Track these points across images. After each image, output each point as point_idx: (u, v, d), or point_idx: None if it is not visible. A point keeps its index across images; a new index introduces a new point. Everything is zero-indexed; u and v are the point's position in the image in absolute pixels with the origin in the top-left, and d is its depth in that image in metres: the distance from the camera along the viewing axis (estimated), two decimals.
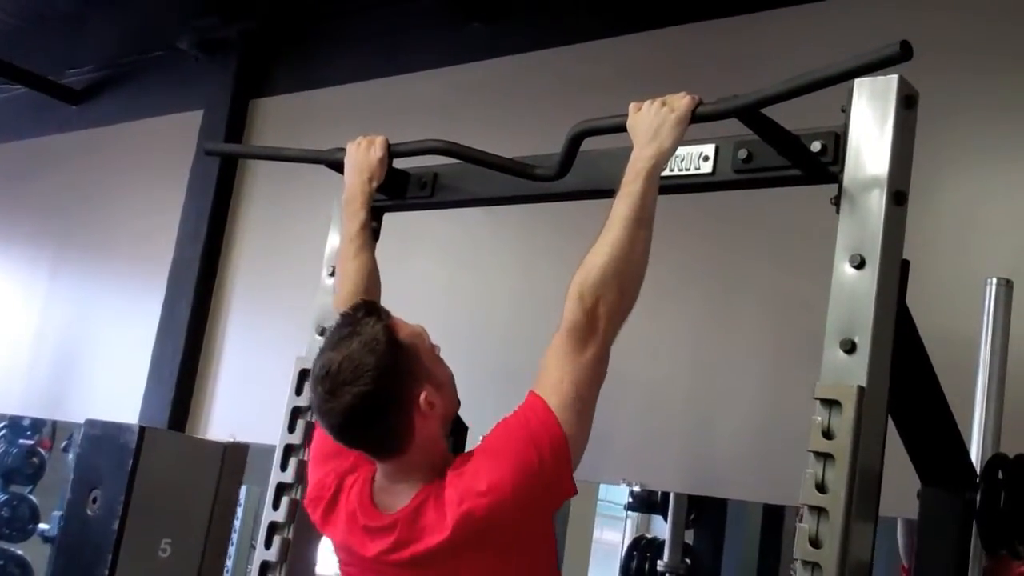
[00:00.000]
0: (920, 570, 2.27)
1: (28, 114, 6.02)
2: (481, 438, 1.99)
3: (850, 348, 1.81)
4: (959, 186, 2.98)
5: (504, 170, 2.44)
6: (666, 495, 5.10)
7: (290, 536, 2.58)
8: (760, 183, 2.17)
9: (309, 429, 2.60)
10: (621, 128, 2.07)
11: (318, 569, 2.71)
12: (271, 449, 2.69)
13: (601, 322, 1.92)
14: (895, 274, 1.87)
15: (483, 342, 3.59)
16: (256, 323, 4.62)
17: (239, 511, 5.16)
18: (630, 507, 5.83)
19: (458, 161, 2.52)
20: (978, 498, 2.17)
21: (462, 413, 2.15)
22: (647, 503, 5.60)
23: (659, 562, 5.06)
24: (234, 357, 4.68)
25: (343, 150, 2.62)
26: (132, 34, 5.42)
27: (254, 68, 4.98)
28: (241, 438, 4.12)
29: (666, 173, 2.09)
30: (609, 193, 2.03)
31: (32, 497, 7.69)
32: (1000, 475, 2.19)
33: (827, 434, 1.77)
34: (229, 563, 5.33)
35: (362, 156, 2.54)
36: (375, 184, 2.53)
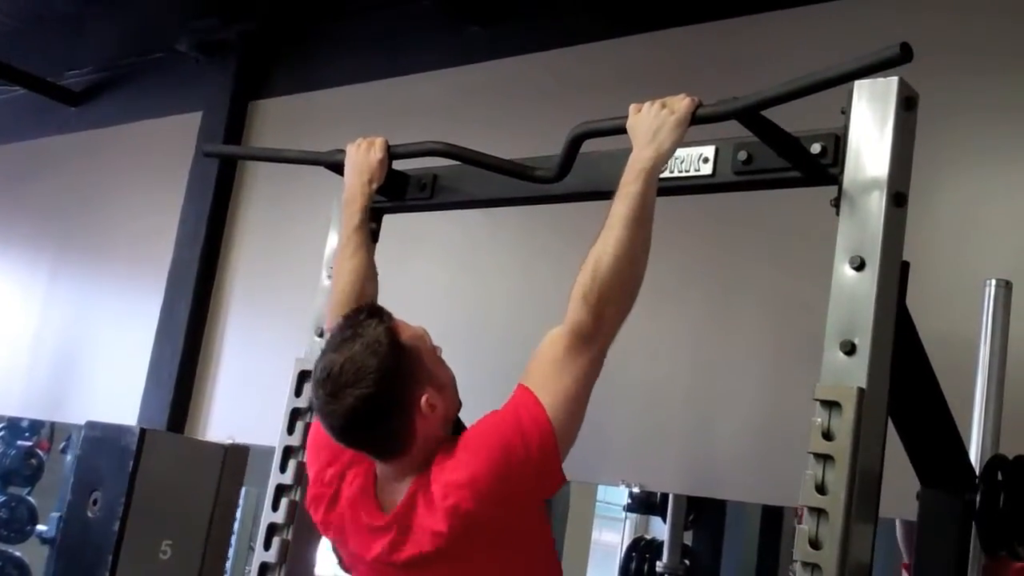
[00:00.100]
0: (920, 571, 2.27)
1: (27, 116, 6.01)
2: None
3: (850, 349, 1.81)
4: (958, 187, 2.98)
5: (504, 172, 2.44)
6: (665, 496, 5.10)
7: (289, 537, 2.58)
8: (760, 185, 2.17)
9: (308, 431, 2.60)
10: (621, 130, 2.08)
11: (317, 570, 2.71)
12: (270, 451, 2.69)
13: (605, 324, 1.93)
14: (895, 275, 1.87)
15: (482, 343, 3.59)
16: (255, 325, 4.62)
17: (238, 512, 5.16)
18: (629, 508, 5.83)
19: (457, 163, 2.52)
20: (977, 499, 2.17)
21: (462, 414, 2.15)
22: (646, 504, 5.60)
23: (658, 563, 5.06)
24: (233, 359, 4.67)
25: (343, 152, 2.62)
26: (131, 35, 5.42)
27: (253, 70, 4.98)
28: (240, 439, 4.12)
29: (666, 174, 2.10)
30: (609, 195, 2.03)
31: (30, 498, 7.69)
32: (999, 476, 2.19)
33: (827, 435, 1.77)
34: (227, 565, 5.32)
35: (362, 158, 2.54)
36: (375, 185, 2.53)
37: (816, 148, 2.00)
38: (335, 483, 2.11)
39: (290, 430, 2.63)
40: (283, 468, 2.62)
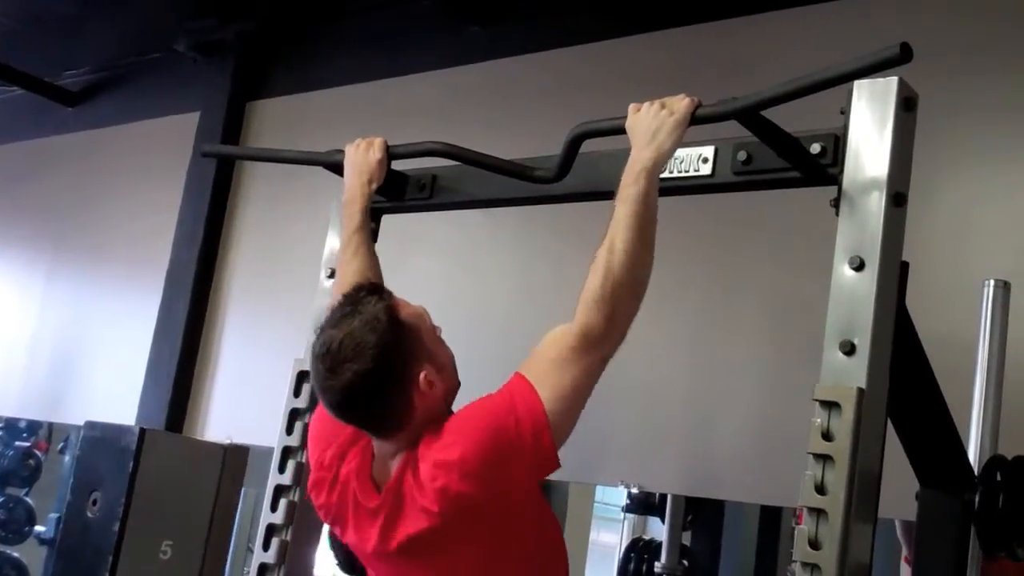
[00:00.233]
0: (919, 571, 2.28)
1: (24, 116, 6.01)
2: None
3: (849, 350, 1.81)
4: (957, 188, 2.98)
5: (503, 172, 2.44)
6: (664, 497, 5.10)
7: (288, 538, 2.58)
8: (759, 185, 2.17)
9: (307, 432, 2.60)
10: (620, 130, 2.08)
11: (316, 571, 2.71)
12: (269, 451, 2.68)
13: (616, 329, 1.93)
14: (894, 276, 1.87)
15: (482, 343, 3.58)
16: (253, 325, 4.61)
17: (236, 513, 5.15)
18: (627, 509, 5.83)
19: (457, 163, 2.52)
20: (976, 500, 2.17)
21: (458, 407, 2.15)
22: (644, 505, 5.60)
23: (656, 564, 5.06)
24: (231, 359, 4.67)
25: (341, 152, 2.62)
26: (129, 36, 5.41)
27: (251, 70, 4.97)
28: (238, 440, 4.12)
29: (665, 175, 2.10)
30: (609, 195, 2.03)
31: (28, 499, 7.68)
32: (998, 477, 2.19)
33: (826, 436, 1.77)
34: (226, 565, 5.32)
35: (361, 158, 2.54)
36: (374, 186, 2.53)
37: (816, 148, 2.00)
38: (334, 465, 2.11)
39: (289, 431, 2.63)
40: (282, 469, 2.62)
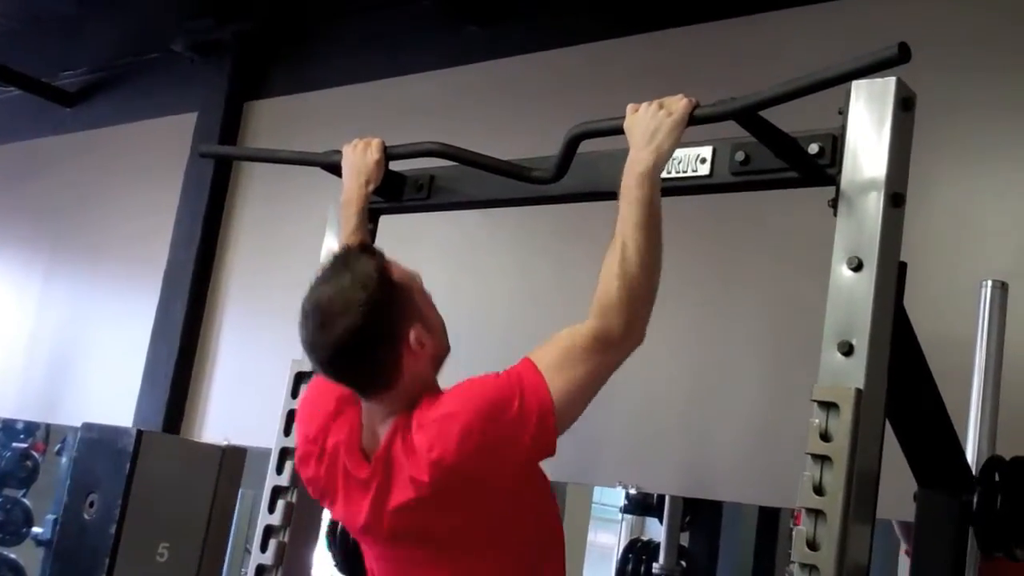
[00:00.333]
0: (917, 572, 2.28)
1: (22, 116, 6.00)
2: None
3: (848, 350, 1.81)
4: (954, 187, 2.98)
5: (501, 172, 2.44)
6: (662, 497, 5.09)
7: (286, 540, 2.58)
8: (757, 185, 2.17)
9: None
10: (618, 130, 2.07)
11: (314, 572, 2.70)
12: (266, 452, 2.68)
13: (634, 333, 1.93)
14: (893, 276, 1.87)
15: (481, 343, 3.57)
16: (251, 326, 4.61)
17: (234, 514, 5.15)
18: (625, 510, 5.83)
19: (455, 163, 2.52)
20: (975, 500, 2.17)
21: None
22: (642, 505, 5.60)
23: (654, 564, 5.06)
24: (229, 360, 4.67)
25: (339, 152, 2.61)
26: (126, 36, 5.41)
27: (249, 70, 4.97)
28: (236, 441, 4.11)
29: (663, 175, 2.09)
30: (607, 195, 2.03)
31: (26, 500, 7.67)
32: (996, 477, 2.19)
33: (825, 436, 1.77)
34: (224, 567, 5.31)
35: (358, 158, 2.54)
36: (371, 187, 2.53)
37: (814, 148, 2.00)
38: (320, 438, 2.10)
39: (286, 432, 2.62)
40: (279, 470, 2.62)
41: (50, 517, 7.05)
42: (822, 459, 1.76)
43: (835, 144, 1.97)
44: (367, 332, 1.91)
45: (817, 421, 1.78)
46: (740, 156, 2.13)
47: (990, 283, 2.38)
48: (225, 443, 3.98)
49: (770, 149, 2.05)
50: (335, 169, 2.62)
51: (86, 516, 3.39)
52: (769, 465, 3.01)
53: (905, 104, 1.92)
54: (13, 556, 7.39)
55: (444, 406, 1.92)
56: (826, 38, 3.19)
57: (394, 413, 1.97)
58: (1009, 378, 2.35)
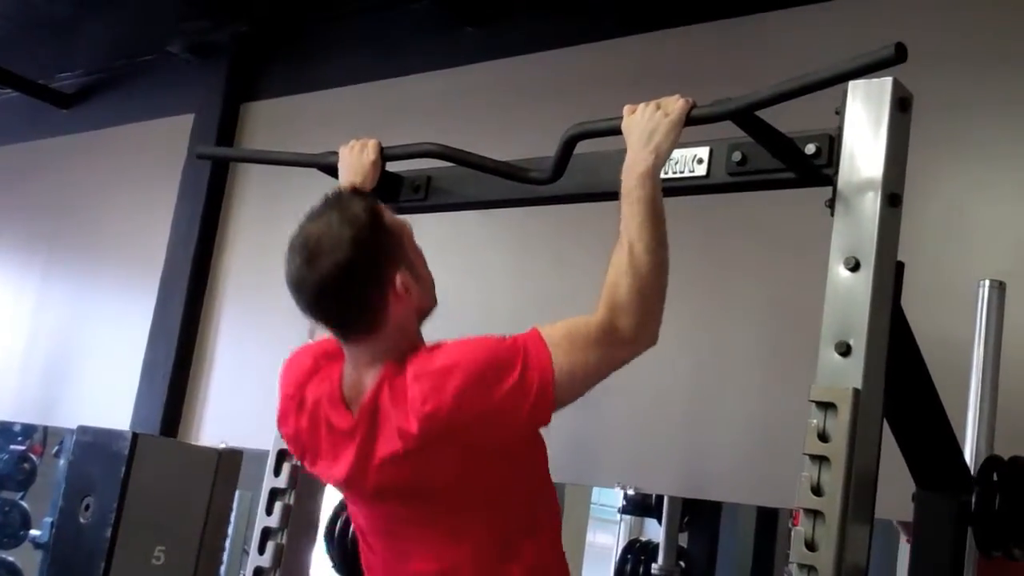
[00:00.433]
0: (916, 572, 2.27)
1: (19, 118, 6.00)
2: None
3: (845, 350, 1.80)
4: (952, 187, 2.98)
5: (498, 173, 2.43)
6: (660, 498, 5.09)
7: (284, 541, 2.57)
8: (754, 186, 2.17)
9: None
10: (616, 131, 2.07)
11: (312, 573, 2.70)
12: (264, 454, 2.67)
13: (646, 334, 1.91)
14: (890, 276, 1.87)
15: None
16: (248, 327, 4.61)
17: (231, 516, 5.14)
18: (624, 510, 5.82)
19: (452, 164, 2.52)
20: (973, 500, 2.17)
21: None
22: (641, 506, 5.59)
23: (653, 565, 5.05)
24: (226, 361, 4.66)
25: (335, 154, 2.61)
26: (123, 38, 5.40)
27: (245, 71, 4.97)
28: (233, 443, 4.10)
29: (659, 178, 2.09)
30: (604, 196, 2.03)
31: (23, 503, 7.65)
32: (995, 477, 2.19)
33: (822, 437, 1.76)
34: (222, 568, 5.31)
35: (355, 159, 2.53)
36: (368, 188, 2.52)
37: (811, 149, 2.00)
38: (298, 393, 2.08)
39: None
40: (277, 472, 2.61)
41: (48, 520, 7.03)
42: (820, 459, 1.75)
43: (832, 144, 1.97)
44: (353, 270, 1.89)
45: (815, 421, 1.77)
46: (737, 156, 2.13)
47: (988, 283, 2.38)
48: (222, 445, 3.97)
49: (767, 149, 2.05)
50: (332, 170, 2.62)
51: (82, 519, 3.38)
52: (767, 466, 3.00)
53: (902, 104, 1.91)
54: (11, 559, 7.38)
55: (443, 358, 1.88)
56: (825, 38, 3.19)
57: (379, 362, 1.94)
58: (1007, 378, 2.35)
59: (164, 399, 4.65)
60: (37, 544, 7.29)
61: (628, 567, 5.35)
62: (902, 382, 1.94)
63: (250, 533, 2.69)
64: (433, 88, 4.22)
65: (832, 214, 1.91)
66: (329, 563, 3.47)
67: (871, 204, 1.87)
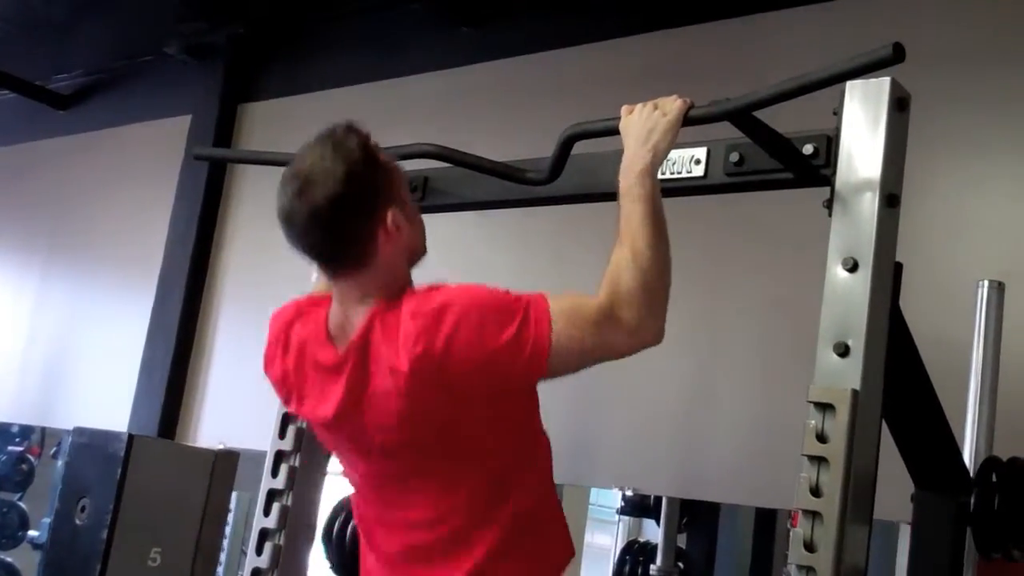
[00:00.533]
0: (915, 574, 2.27)
1: (16, 120, 5.99)
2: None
3: (843, 351, 1.80)
4: (950, 187, 2.98)
5: (495, 174, 2.43)
6: (658, 499, 5.09)
7: (281, 543, 2.57)
8: (752, 186, 2.16)
9: (300, 436, 2.59)
10: (613, 131, 2.06)
11: (310, 575, 2.69)
12: (262, 455, 2.67)
13: (648, 329, 1.87)
14: (888, 277, 1.87)
15: None
16: (246, 327, 4.60)
17: (230, 517, 5.13)
18: (622, 511, 5.81)
19: (449, 165, 2.51)
20: (972, 501, 2.17)
21: None
22: (639, 507, 5.58)
23: (652, 566, 5.05)
24: (224, 361, 4.66)
25: None
26: (120, 39, 5.40)
27: (242, 72, 4.97)
28: (232, 443, 4.10)
29: (657, 176, 2.09)
30: (601, 196, 2.02)
31: (22, 504, 7.66)
32: (994, 478, 2.19)
33: (821, 438, 1.76)
34: (220, 569, 5.30)
35: None
36: None
37: (808, 149, 1.99)
38: (283, 336, 2.09)
39: (281, 435, 2.62)
40: (275, 473, 2.61)
41: (46, 521, 7.02)
42: (819, 460, 1.75)
43: (830, 145, 1.97)
44: (344, 202, 1.88)
45: (813, 422, 1.77)
46: (735, 157, 2.13)
47: (987, 283, 2.38)
48: (220, 446, 3.96)
49: (765, 150, 2.05)
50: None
51: (78, 521, 3.37)
52: (766, 466, 3.00)
53: (900, 104, 1.91)
54: (9, 560, 7.38)
55: (442, 298, 1.86)
56: (824, 38, 3.19)
57: (369, 298, 1.93)
58: (1006, 379, 2.35)
59: (162, 399, 4.65)
60: (35, 545, 7.30)
61: (627, 568, 5.35)
62: (901, 383, 1.94)
63: (248, 534, 2.68)
64: (432, 88, 4.22)
65: (830, 215, 1.91)
66: (327, 564, 3.46)
67: (869, 204, 1.86)
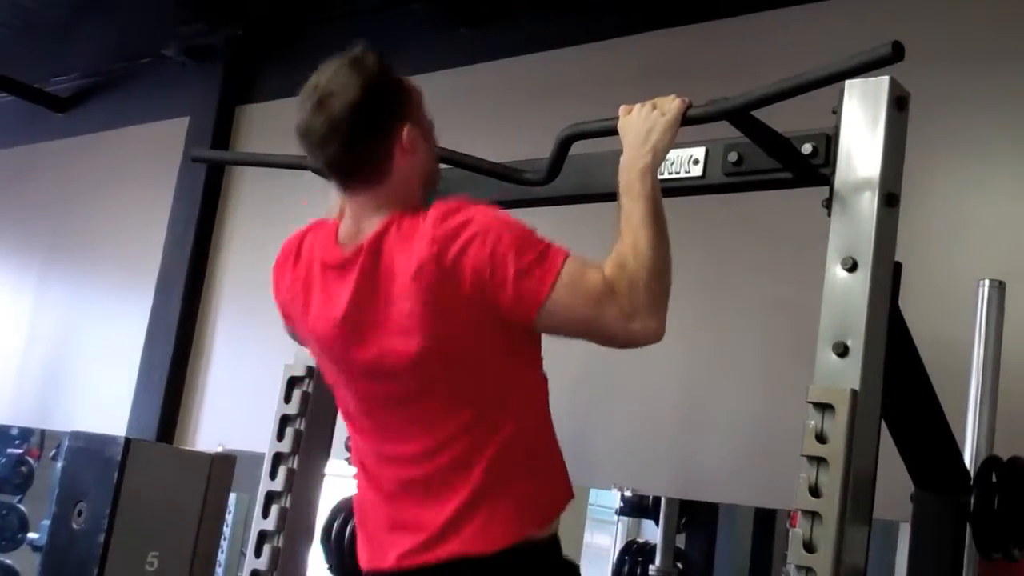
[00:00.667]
0: (915, 573, 2.27)
1: (14, 122, 5.99)
2: None
3: (843, 351, 1.80)
4: (950, 186, 2.97)
5: (493, 175, 2.43)
6: (657, 499, 5.09)
7: (280, 544, 2.56)
8: (751, 186, 2.16)
9: (298, 437, 2.59)
10: (611, 131, 2.06)
11: None
12: (261, 456, 2.67)
13: (643, 321, 1.82)
14: (887, 276, 1.86)
15: None
16: (244, 330, 4.60)
17: (229, 519, 5.13)
18: (621, 512, 5.81)
19: (446, 165, 2.51)
20: (972, 501, 2.16)
21: None
22: (638, 508, 5.58)
23: (651, 566, 5.04)
24: (223, 363, 4.66)
25: None
26: (118, 41, 5.40)
27: (241, 74, 4.96)
28: (231, 445, 4.10)
29: (657, 176, 2.08)
30: (599, 196, 2.01)
31: (21, 506, 7.66)
32: (994, 478, 2.19)
33: (820, 438, 1.76)
34: (220, 571, 5.30)
35: None
36: None
37: (807, 148, 1.99)
38: (294, 249, 2.11)
39: (279, 436, 2.62)
40: (273, 475, 2.61)
41: (46, 523, 7.01)
42: (818, 461, 1.75)
43: (829, 144, 1.96)
44: (362, 114, 1.91)
45: (813, 423, 1.77)
46: (733, 157, 2.12)
47: (987, 282, 2.38)
48: (219, 448, 3.96)
49: (763, 149, 2.05)
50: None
51: (75, 525, 3.36)
52: (765, 466, 2.99)
53: (899, 103, 1.91)
54: (9, 562, 7.37)
55: (470, 212, 1.86)
56: (822, 37, 3.18)
57: (384, 211, 1.93)
58: (1006, 378, 2.34)
59: (161, 401, 4.64)
60: (35, 547, 7.30)
61: (626, 568, 5.34)
62: (900, 383, 1.94)
63: (248, 536, 2.68)
64: (427, 89, 4.18)
65: (829, 214, 1.90)
66: (326, 566, 3.46)
67: (868, 204, 1.86)
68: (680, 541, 5.35)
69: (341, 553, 3.22)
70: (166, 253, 4.87)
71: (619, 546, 5.80)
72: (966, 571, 2.18)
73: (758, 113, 1.96)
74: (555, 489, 1.97)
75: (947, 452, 2.19)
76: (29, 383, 5.45)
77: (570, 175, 2.29)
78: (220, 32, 4.87)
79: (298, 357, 2.64)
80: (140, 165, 5.26)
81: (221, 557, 5.26)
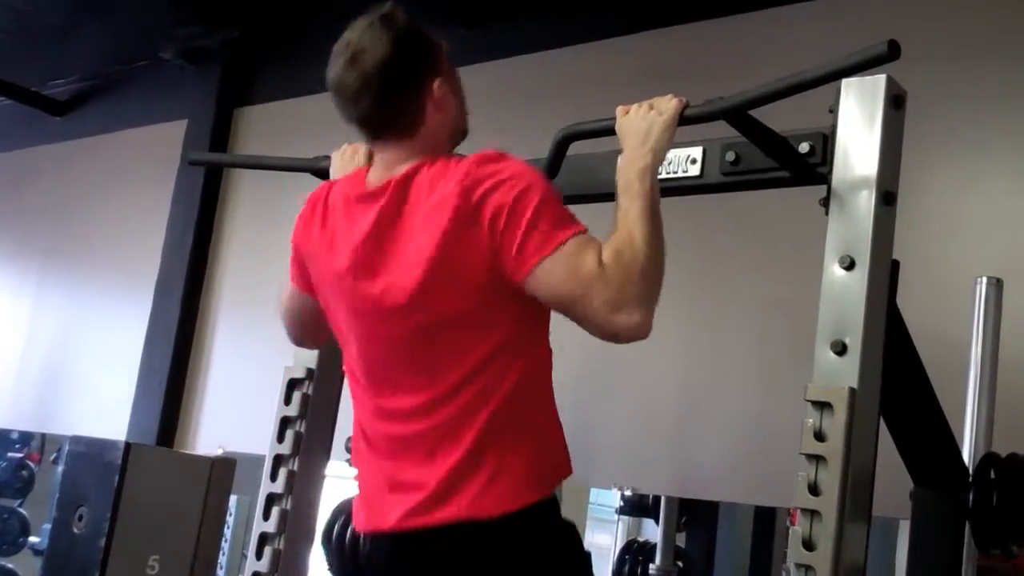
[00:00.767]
0: (914, 570, 2.27)
1: (12, 126, 6.00)
2: None
3: (841, 349, 1.80)
4: (947, 184, 2.98)
5: None
6: (657, 498, 5.08)
7: (281, 547, 2.57)
8: (748, 185, 2.16)
9: (298, 439, 2.59)
10: (609, 131, 2.06)
11: None
12: (261, 458, 2.67)
13: (628, 314, 1.79)
14: (885, 274, 1.86)
15: None
16: (244, 332, 4.60)
17: (230, 521, 5.13)
18: (621, 511, 5.81)
19: None
20: (971, 498, 2.17)
21: None
22: (638, 507, 5.58)
23: (651, 565, 5.04)
24: (222, 366, 4.66)
25: (328, 158, 2.59)
26: (116, 45, 5.41)
27: (238, 76, 4.97)
28: (231, 448, 4.10)
29: (657, 176, 2.08)
30: (597, 197, 2.01)
31: (22, 510, 7.65)
32: (992, 474, 2.19)
33: (819, 436, 1.76)
34: (221, 573, 5.30)
35: (347, 163, 2.51)
36: None
37: (804, 147, 1.99)
38: (323, 197, 2.10)
39: (280, 439, 2.61)
40: (273, 477, 2.61)
41: (47, 527, 7.01)
42: (817, 459, 1.75)
43: (826, 143, 1.96)
44: (392, 70, 1.94)
45: (811, 421, 1.77)
46: (731, 156, 2.12)
47: (985, 280, 2.38)
48: (219, 450, 3.96)
49: (760, 149, 2.05)
50: (324, 174, 2.61)
51: (76, 530, 3.36)
52: (764, 465, 3.00)
53: (896, 101, 1.91)
54: (10, 566, 7.37)
55: (509, 162, 1.87)
56: (820, 36, 3.19)
57: (414, 158, 1.96)
58: (1004, 375, 2.35)
59: (161, 404, 4.65)
60: (36, 551, 7.28)
61: (626, 567, 5.34)
62: (898, 381, 1.94)
63: (249, 538, 2.68)
64: None
65: (826, 213, 1.91)
66: (327, 568, 3.46)
67: (866, 202, 1.86)
68: (680, 540, 5.35)
69: (342, 555, 3.22)
70: (165, 256, 4.87)
71: (619, 545, 5.80)
72: (965, 567, 2.19)
73: (755, 112, 1.96)
74: (556, 456, 1.95)
75: (946, 449, 2.20)
76: (29, 387, 5.46)
77: (568, 175, 2.29)
78: (217, 34, 4.88)
79: (298, 359, 2.64)
80: (138, 168, 5.26)
81: (222, 560, 5.25)
